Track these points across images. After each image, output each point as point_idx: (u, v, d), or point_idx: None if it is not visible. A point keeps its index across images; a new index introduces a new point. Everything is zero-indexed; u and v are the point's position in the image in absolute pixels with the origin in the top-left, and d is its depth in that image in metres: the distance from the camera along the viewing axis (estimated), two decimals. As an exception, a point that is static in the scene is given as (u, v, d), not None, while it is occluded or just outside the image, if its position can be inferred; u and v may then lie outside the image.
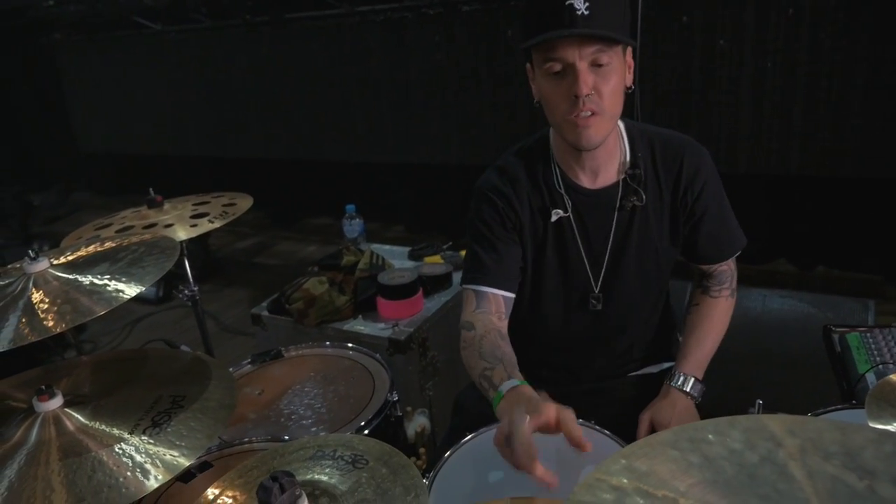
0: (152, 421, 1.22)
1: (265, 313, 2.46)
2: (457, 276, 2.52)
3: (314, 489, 0.80)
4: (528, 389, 1.28)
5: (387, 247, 2.76)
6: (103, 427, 1.20)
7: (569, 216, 1.54)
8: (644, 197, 1.52)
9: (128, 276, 1.40)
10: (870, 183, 3.27)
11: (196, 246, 5.03)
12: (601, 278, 1.59)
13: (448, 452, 1.38)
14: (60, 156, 6.72)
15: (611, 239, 1.55)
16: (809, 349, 2.21)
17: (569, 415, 1.17)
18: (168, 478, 1.09)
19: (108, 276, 1.40)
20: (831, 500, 0.67)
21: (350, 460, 0.85)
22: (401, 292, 2.27)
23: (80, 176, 6.85)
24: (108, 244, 1.57)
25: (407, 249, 2.75)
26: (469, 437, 1.43)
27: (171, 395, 1.29)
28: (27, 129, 6.67)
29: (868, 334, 1.85)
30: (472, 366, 1.44)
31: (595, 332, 1.66)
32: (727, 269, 1.67)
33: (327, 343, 1.88)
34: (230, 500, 0.83)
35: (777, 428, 0.80)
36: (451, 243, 2.72)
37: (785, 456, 0.75)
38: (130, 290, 1.36)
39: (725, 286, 1.66)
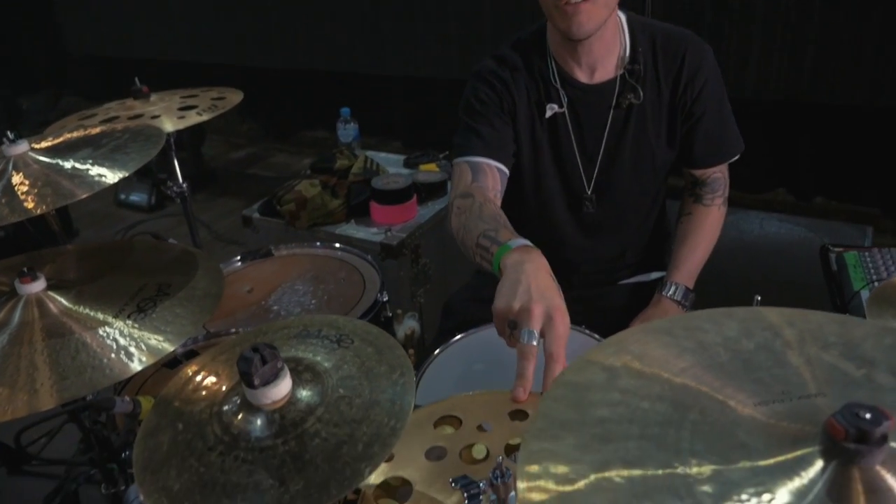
0: (137, 306, 1.20)
1: (256, 215, 2.42)
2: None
3: (297, 365, 0.78)
4: (544, 259, 1.12)
5: (382, 154, 2.71)
6: (87, 311, 1.19)
7: (563, 112, 1.48)
8: (642, 95, 1.46)
9: (111, 161, 1.36)
10: (878, 113, 3.20)
11: (189, 154, 4.95)
12: (594, 179, 1.55)
13: (437, 350, 1.37)
14: (49, 59, 6.53)
15: (605, 137, 1.50)
16: (804, 271, 2.19)
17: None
18: (152, 361, 1.07)
19: (90, 161, 1.35)
20: (829, 386, 0.66)
21: (335, 339, 0.83)
22: (394, 197, 2.23)
23: (70, 80, 6.67)
24: (92, 130, 1.52)
25: (402, 157, 2.70)
26: (459, 336, 1.42)
27: (157, 283, 1.27)
28: (13, 30, 6.45)
29: (866, 253, 1.83)
30: (469, 228, 1.30)
31: (587, 235, 1.63)
32: (721, 176, 1.62)
33: (318, 243, 1.85)
34: (213, 377, 0.81)
35: (775, 318, 0.78)
36: (447, 153, 2.66)
37: (782, 344, 0.73)
38: (113, 176, 1.32)
39: (718, 194, 1.63)
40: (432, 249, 2.31)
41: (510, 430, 0.91)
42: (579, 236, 1.63)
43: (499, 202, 1.44)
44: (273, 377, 0.72)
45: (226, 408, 0.75)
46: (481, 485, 0.74)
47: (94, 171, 1.31)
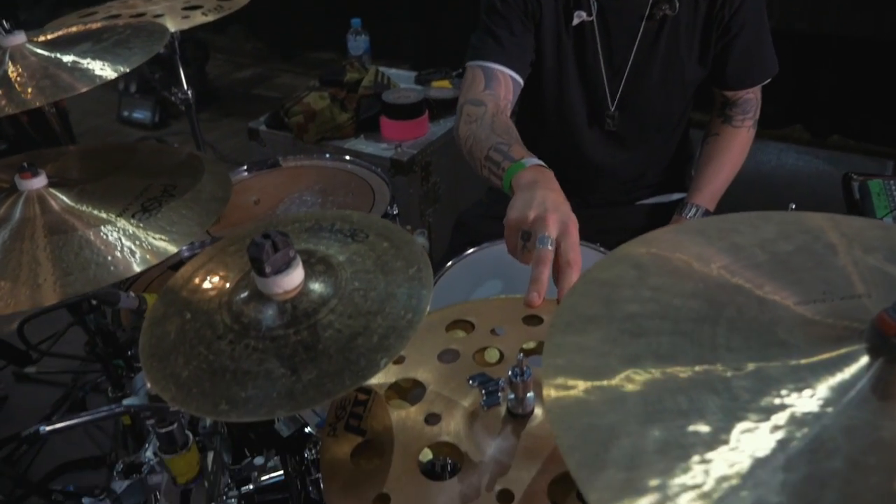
0: (142, 206, 1.17)
1: (263, 128, 2.36)
2: (465, 103, 2.39)
3: (310, 257, 0.74)
4: (556, 182, 1.08)
5: (393, 70, 2.61)
6: (90, 209, 1.15)
7: (592, 20, 1.40)
8: (677, 5, 1.38)
9: (113, 55, 1.30)
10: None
11: (193, 72, 4.83)
12: (619, 95, 1.48)
13: (450, 263, 1.34)
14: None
15: (634, 50, 1.42)
16: (823, 203, 2.14)
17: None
18: (157, 262, 1.05)
19: (91, 55, 1.29)
20: (874, 287, 0.62)
21: (349, 233, 0.79)
22: (406, 112, 2.16)
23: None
24: (92, 26, 1.45)
25: (413, 74, 2.61)
26: (472, 250, 1.39)
27: (163, 185, 1.23)
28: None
29: (891, 181, 1.77)
30: (480, 139, 1.25)
31: (607, 153, 1.57)
32: (753, 97, 1.55)
33: (327, 155, 1.80)
34: (222, 268, 0.78)
35: (816, 222, 0.74)
36: (461, 70, 2.56)
37: (824, 247, 0.69)
38: (114, 70, 1.26)
39: (749, 115, 1.56)
40: (443, 168, 2.25)
41: (524, 335, 0.88)
42: (599, 154, 1.57)
43: (509, 113, 1.38)
44: (285, 266, 0.69)
45: (236, 297, 0.72)
46: (500, 382, 0.72)
47: (95, 64, 1.25)
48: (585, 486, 0.48)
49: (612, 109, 1.49)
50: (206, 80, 5.06)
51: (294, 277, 0.69)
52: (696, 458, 0.48)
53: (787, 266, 0.66)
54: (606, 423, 0.52)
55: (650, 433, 0.50)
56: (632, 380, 0.55)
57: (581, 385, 0.55)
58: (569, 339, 0.61)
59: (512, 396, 0.72)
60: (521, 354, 0.70)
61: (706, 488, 0.47)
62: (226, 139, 4.49)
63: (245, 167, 1.78)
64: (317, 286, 0.72)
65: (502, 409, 0.75)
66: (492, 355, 0.87)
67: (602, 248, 1.40)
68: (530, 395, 0.73)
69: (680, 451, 0.49)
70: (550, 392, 0.55)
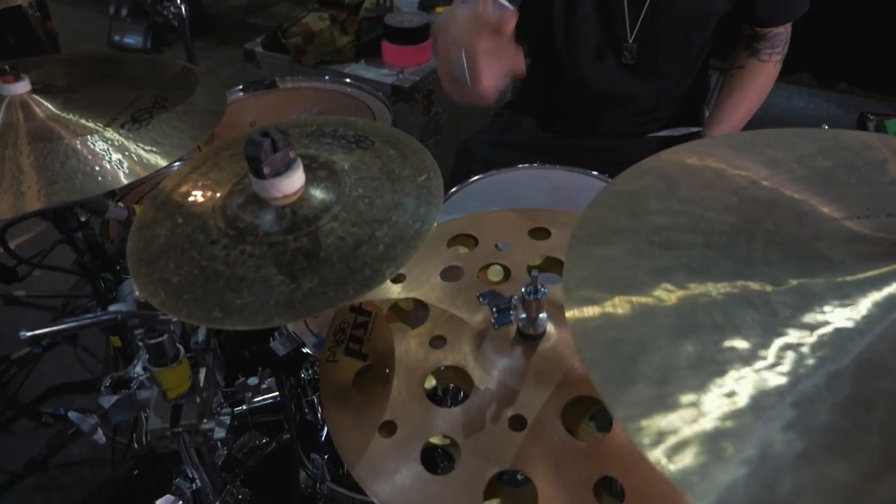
0: (131, 117, 1.10)
1: (259, 49, 2.26)
2: (470, 31, 2.29)
3: (311, 162, 0.69)
4: None
5: (395, -6, 2.50)
6: (76, 118, 1.09)
7: None
8: None
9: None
10: None
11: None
12: (638, 25, 1.40)
13: (453, 189, 1.28)
14: None
15: None
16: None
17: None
18: (146, 174, 0.99)
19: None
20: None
21: (353, 139, 0.73)
22: (409, 37, 2.06)
23: None
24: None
25: (417, -1, 2.50)
26: (476, 177, 1.33)
27: (154, 96, 1.17)
28: None
29: (910, 120, 1.72)
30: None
31: (620, 86, 1.50)
32: (784, 31, 1.46)
33: (326, 77, 1.72)
34: (216, 171, 0.73)
35: (854, 139, 0.69)
36: (466, -4, 2.46)
37: (865, 164, 0.64)
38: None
39: (778, 50, 1.47)
40: (445, 97, 2.16)
41: (530, 250, 0.83)
42: (610, 86, 1.49)
43: None
44: (285, 167, 0.64)
45: (231, 202, 0.67)
46: (512, 299, 0.67)
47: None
48: (612, 402, 0.44)
49: (630, 41, 1.41)
50: (200, 6, 4.89)
51: (294, 180, 0.64)
52: (732, 373, 0.44)
53: (828, 181, 0.61)
54: (635, 336, 0.48)
55: (683, 348, 0.46)
56: (662, 293, 0.51)
57: (607, 298, 0.51)
58: (592, 250, 0.56)
59: (523, 316, 0.68)
60: (536, 271, 0.65)
61: (742, 405, 0.43)
62: (221, 68, 4.36)
63: (241, 87, 1.70)
64: (318, 192, 0.67)
65: (512, 330, 0.71)
66: (495, 273, 0.83)
67: (609, 180, 1.35)
68: (543, 315, 0.68)
69: (715, 367, 0.45)
70: (573, 305, 0.51)
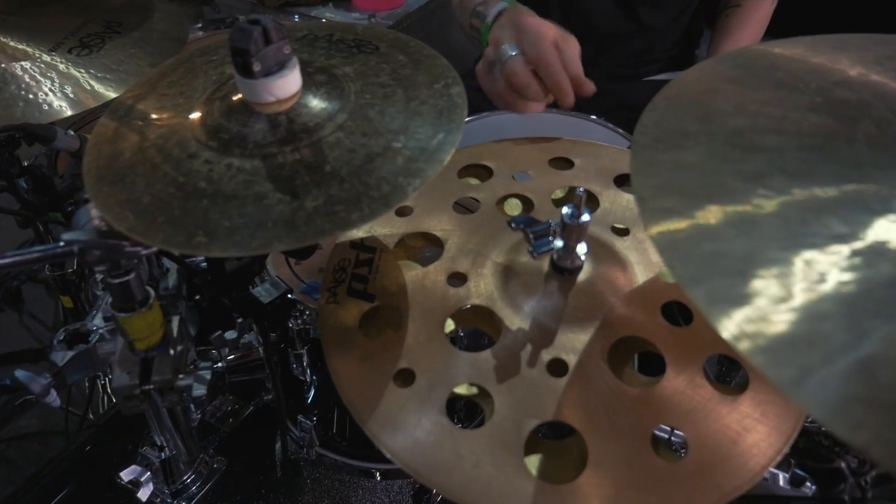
0: (80, 41, 0.97)
1: (217, -9, 2.10)
2: (444, -25, 2.17)
3: (306, 67, 0.57)
4: (525, 11, 0.98)
5: (362, -63, 2.34)
6: (15, 42, 0.95)
7: None
8: None
9: None
10: None
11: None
12: None
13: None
14: None
15: None
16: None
17: (573, 47, 0.90)
18: (96, 104, 0.87)
19: None
20: None
21: (353, 44, 0.62)
22: (380, -22, 1.93)
23: None
24: None
25: (385, -57, 2.34)
26: (468, 119, 1.22)
27: (105, 20, 1.03)
28: None
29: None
30: (464, 7, 1.14)
31: (617, 22, 1.40)
32: None
33: (296, 17, 1.59)
34: (190, 76, 0.61)
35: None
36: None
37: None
38: None
39: None
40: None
41: (553, 180, 0.74)
42: (608, 21, 1.40)
43: None
44: (278, 66, 0.52)
45: (211, 109, 0.55)
46: (552, 223, 0.57)
47: None
48: (723, 325, 0.35)
49: None
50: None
51: (290, 81, 0.53)
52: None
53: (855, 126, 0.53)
54: (739, 250, 0.39)
55: (801, 261, 0.37)
56: (761, 200, 0.41)
57: (695, 207, 0.42)
58: (662, 155, 0.46)
59: (560, 244, 0.58)
60: (581, 189, 0.55)
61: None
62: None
63: (199, 25, 1.55)
64: (317, 101, 0.55)
65: (543, 264, 0.61)
66: (512, 206, 0.73)
67: (610, 125, 1.26)
68: (583, 245, 0.59)
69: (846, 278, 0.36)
70: (651, 217, 0.42)
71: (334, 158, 0.51)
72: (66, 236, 0.51)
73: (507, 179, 0.73)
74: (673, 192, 0.43)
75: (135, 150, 0.54)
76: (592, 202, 0.69)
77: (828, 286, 0.36)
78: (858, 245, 0.38)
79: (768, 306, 0.35)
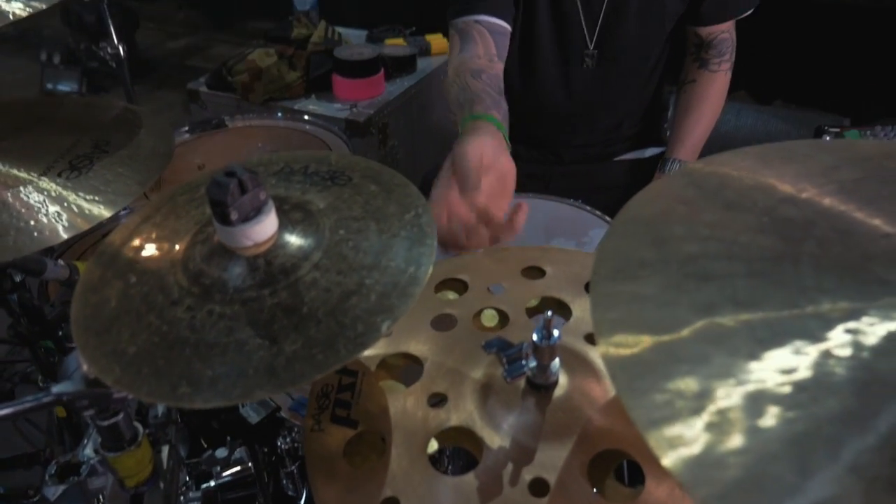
0: (70, 164, 1.00)
1: (203, 89, 2.17)
2: (422, 62, 2.24)
3: (283, 204, 0.60)
4: (484, 133, 1.02)
5: (342, 29, 2.44)
6: (7, 168, 0.99)
7: None
8: None
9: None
10: (847, 11, 3.05)
11: (122, 41, 4.51)
12: (596, 33, 1.37)
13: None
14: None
15: None
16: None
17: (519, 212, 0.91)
18: (88, 226, 0.90)
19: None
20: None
21: (328, 176, 0.65)
22: (360, 70, 2.00)
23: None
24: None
25: (364, 32, 2.44)
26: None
27: (93, 140, 1.07)
28: None
29: (869, 131, 1.72)
30: (449, 104, 1.23)
31: (583, 100, 1.46)
32: (728, 37, 1.46)
33: (279, 114, 1.64)
34: (172, 219, 0.64)
35: (869, 149, 0.64)
36: (414, 28, 2.41)
37: (894, 172, 0.59)
38: (28, 7, 1.08)
39: (726, 58, 1.47)
40: (401, 130, 2.11)
41: (526, 291, 0.76)
42: (575, 100, 1.46)
43: (498, 66, 1.28)
44: (255, 211, 0.55)
45: (192, 254, 0.58)
46: (523, 346, 0.59)
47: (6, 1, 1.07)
48: (676, 470, 0.37)
49: (591, 48, 1.38)
50: (136, 50, 4.76)
51: (267, 225, 0.56)
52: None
53: (862, 195, 0.56)
54: (691, 389, 0.41)
55: (749, 399, 0.40)
56: (710, 333, 0.44)
57: (648, 342, 0.44)
58: (620, 287, 0.49)
59: (534, 364, 0.60)
60: (550, 312, 0.58)
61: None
62: (161, 112, 4.23)
63: (186, 128, 1.60)
64: (293, 238, 0.58)
65: (520, 381, 0.63)
66: (489, 318, 0.75)
67: (587, 207, 1.30)
68: (556, 361, 0.61)
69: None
70: (609, 352, 0.44)
71: (311, 299, 0.53)
72: (56, 389, 0.53)
73: (483, 292, 0.76)
74: (630, 327, 0.45)
75: (120, 298, 0.56)
76: (564, 311, 0.71)
77: (777, 424, 0.38)
78: (803, 377, 0.40)
79: (719, 447, 0.37)
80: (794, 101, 3.55)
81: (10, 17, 1.05)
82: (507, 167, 0.98)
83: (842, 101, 3.37)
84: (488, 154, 0.96)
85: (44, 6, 1.09)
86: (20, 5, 1.07)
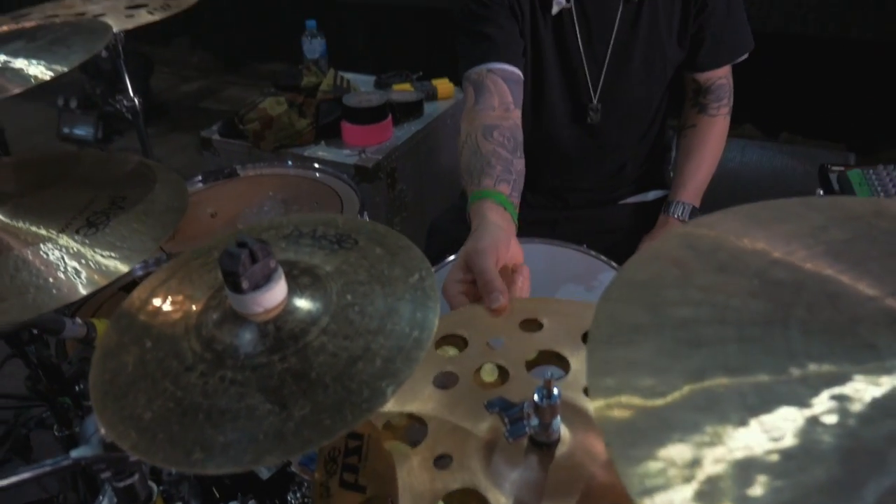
0: (87, 221, 1.04)
1: (216, 137, 2.22)
2: (429, 106, 2.30)
3: (292, 269, 0.63)
4: (495, 228, 1.01)
5: (350, 74, 2.50)
6: (27, 226, 1.02)
7: (570, 7, 1.33)
8: None
9: (49, 54, 1.16)
10: (851, 46, 3.10)
11: (137, 86, 4.62)
12: (601, 84, 1.41)
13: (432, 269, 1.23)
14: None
15: (614, 35, 1.36)
16: (796, 194, 2.12)
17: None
18: (106, 282, 0.92)
19: (24, 54, 1.15)
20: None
21: (335, 239, 0.68)
22: (368, 116, 2.05)
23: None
24: (26, 24, 1.32)
25: (373, 78, 2.50)
26: (451, 257, 1.28)
27: (110, 196, 1.10)
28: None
29: (871, 171, 1.73)
30: (462, 164, 1.25)
31: (588, 148, 1.50)
32: (726, 83, 1.50)
33: (289, 163, 1.68)
34: (186, 285, 0.66)
35: (859, 207, 0.66)
36: (421, 73, 2.47)
37: (882, 233, 0.61)
38: (50, 70, 1.13)
39: (724, 102, 1.51)
40: (409, 174, 2.15)
41: (525, 344, 0.78)
42: (579, 149, 1.49)
43: (515, 113, 1.30)
44: (265, 279, 0.58)
45: (205, 320, 0.60)
46: (525, 406, 0.61)
47: (30, 64, 1.11)
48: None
49: (595, 102, 1.42)
50: (151, 94, 4.87)
51: (276, 293, 0.58)
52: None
53: (850, 256, 0.58)
54: (683, 456, 0.42)
55: (739, 469, 0.41)
56: (700, 399, 0.46)
57: (641, 407, 0.46)
58: (616, 353, 0.51)
59: (536, 423, 0.62)
60: (550, 373, 0.60)
61: None
62: (174, 154, 4.32)
63: (199, 177, 1.65)
64: (303, 302, 0.60)
65: (523, 439, 0.65)
66: (489, 373, 0.77)
67: (592, 252, 1.32)
68: (557, 419, 0.62)
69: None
70: (605, 418, 0.46)
71: (319, 364, 0.56)
72: (75, 454, 0.55)
73: (483, 347, 0.78)
74: (624, 391, 0.47)
75: (137, 363, 0.59)
76: (563, 364, 0.73)
77: (765, 493, 0.39)
78: (791, 444, 0.42)
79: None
80: (800, 133, 3.58)
81: (33, 80, 1.10)
82: (515, 253, 0.98)
83: (847, 133, 3.40)
84: (503, 255, 0.94)
85: (65, 69, 1.14)
86: (42, 69, 1.12)
